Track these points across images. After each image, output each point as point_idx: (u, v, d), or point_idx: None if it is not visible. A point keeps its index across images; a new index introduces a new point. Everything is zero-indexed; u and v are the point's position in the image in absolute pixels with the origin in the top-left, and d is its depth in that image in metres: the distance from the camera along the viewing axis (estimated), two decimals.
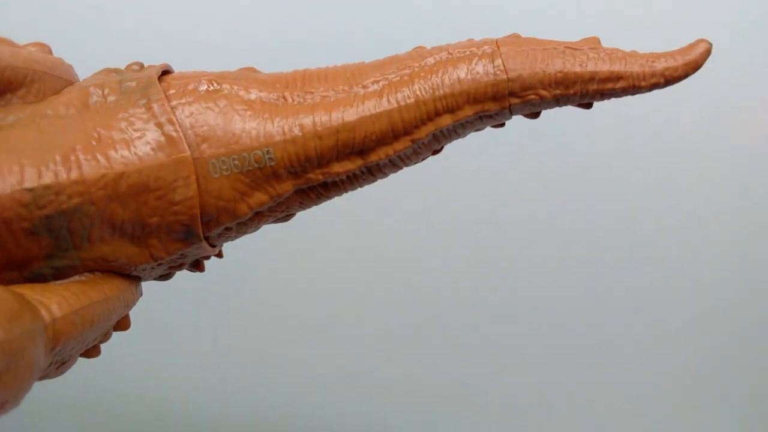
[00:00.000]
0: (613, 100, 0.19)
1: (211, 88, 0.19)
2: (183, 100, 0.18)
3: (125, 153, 0.17)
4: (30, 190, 0.16)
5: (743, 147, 0.40)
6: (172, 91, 0.18)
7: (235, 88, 0.19)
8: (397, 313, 0.42)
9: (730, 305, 0.42)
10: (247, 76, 0.19)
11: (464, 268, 0.42)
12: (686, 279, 0.42)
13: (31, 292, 0.16)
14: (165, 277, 0.20)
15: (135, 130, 0.17)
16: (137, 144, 0.17)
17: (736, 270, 0.41)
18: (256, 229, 0.20)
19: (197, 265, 0.21)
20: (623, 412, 0.43)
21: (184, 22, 0.40)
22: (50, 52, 0.20)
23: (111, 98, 0.18)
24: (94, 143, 0.17)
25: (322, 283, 0.42)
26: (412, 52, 0.19)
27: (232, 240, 0.20)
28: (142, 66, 0.21)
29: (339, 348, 0.42)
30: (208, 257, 0.20)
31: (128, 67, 0.20)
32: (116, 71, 0.20)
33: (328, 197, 0.20)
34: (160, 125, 0.17)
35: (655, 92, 0.19)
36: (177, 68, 0.20)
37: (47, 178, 0.16)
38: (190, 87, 0.19)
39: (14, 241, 0.16)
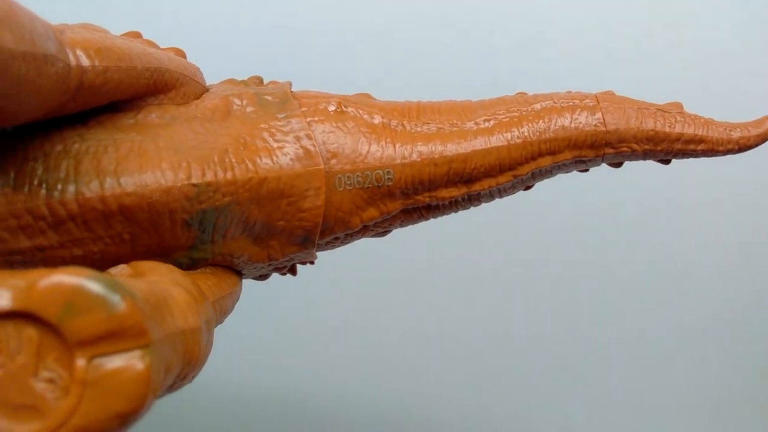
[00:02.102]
0: None
1: (339, 109, 0.20)
2: (315, 118, 0.20)
3: (267, 161, 0.19)
4: (195, 185, 0.17)
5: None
6: (304, 109, 0.20)
7: (360, 111, 0.21)
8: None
9: (734, 308, 0.43)
10: (368, 102, 0.21)
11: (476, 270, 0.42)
12: (691, 280, 0.43)
13: None
14: (263, 277, 0.22)
15: (275, 141, 0.19)
16: (278, 153, 0.19)
17: (740, 271, 0.42)
18: (357, 240, 0.22)
19: (292, 269, 0.22)
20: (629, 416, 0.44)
21: (184, 21, 0.40)
22: (185, 56, 0.21)
23: (249, 108, 0.20)
24: (241, 149, 0.18)
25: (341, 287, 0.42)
26: (518, 97, 0.22)
27: (333, 249, 0.22)
28: (261, 79, 0.22)
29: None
30: (305, 263, 0.22)
31: (250, 79, 0.22)
32: (243, 83, 0.21)
33: (427, 219, 0.22)
34: (298, 138, 0.19)
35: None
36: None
37: (209, 176, 0.17)
38: (321, 107, 0.20)
39: (171, 230, 0.17)
